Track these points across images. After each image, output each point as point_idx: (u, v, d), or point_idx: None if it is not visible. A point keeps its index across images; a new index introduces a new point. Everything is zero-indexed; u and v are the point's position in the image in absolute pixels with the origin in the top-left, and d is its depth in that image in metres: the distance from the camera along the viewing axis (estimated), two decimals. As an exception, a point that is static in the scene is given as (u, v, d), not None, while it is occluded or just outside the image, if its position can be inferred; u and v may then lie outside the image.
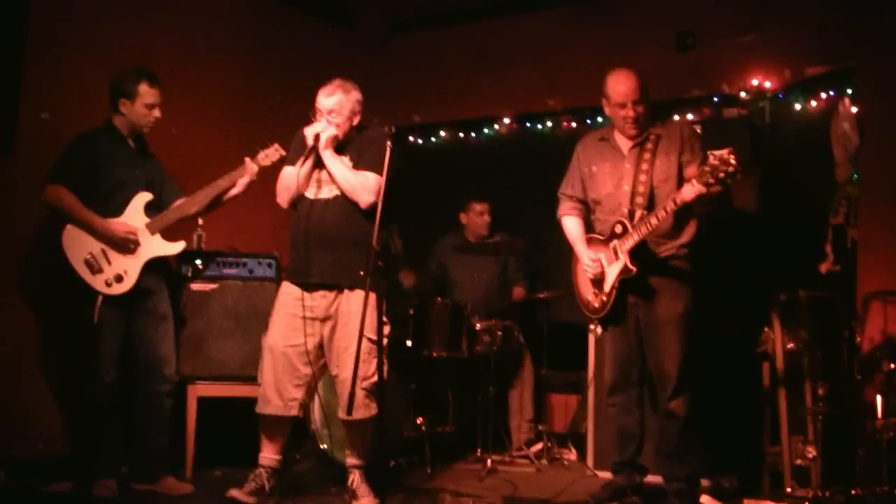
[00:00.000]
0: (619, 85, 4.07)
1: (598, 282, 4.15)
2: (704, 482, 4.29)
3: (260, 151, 4.40)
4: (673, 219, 3.99)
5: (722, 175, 3.63)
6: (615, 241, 4.06)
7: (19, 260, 4.53)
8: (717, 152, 3.65)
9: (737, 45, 5.38)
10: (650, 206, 4.01)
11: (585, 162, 4.27)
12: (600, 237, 4.18)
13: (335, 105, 4.04)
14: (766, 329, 4.46)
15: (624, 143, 4.17)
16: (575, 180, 4.33)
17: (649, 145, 4.10)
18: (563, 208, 4.37)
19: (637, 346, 4.15)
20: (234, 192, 4.45)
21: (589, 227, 4.31)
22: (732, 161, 3.61)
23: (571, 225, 4.32)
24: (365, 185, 3.98)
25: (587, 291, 4.24)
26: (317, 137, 4.00)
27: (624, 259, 4.00)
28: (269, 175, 4.34)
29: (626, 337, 4.16)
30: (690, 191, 3.78)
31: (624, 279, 4.02)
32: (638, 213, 4.01)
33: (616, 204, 4.11)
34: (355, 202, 4.00)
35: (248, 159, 4.38)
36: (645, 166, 4.07)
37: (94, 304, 4.08)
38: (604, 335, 4.32)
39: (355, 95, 4.09)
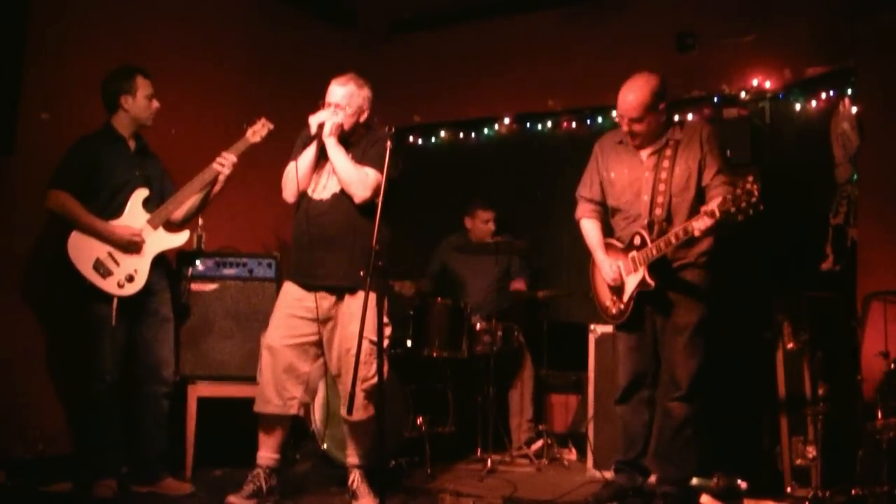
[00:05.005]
0: (620, 100, 3.98)
1: (617, 290, 4.10)
2: (705, 482, 4.29)
3: (248, 128, 4.39)
4: None
5: (744, 205, 3.58)
6: (634, 253, 4.00)
7: (20, 260, 4.52)
8: (744, 184, 3.59)
9: (737, 45, 5.38)
10: (669, 217, 3.95)
11: (604, 166, 4.20)
12: (619, 244, 4.13)
13: (345, 97, 4.05)
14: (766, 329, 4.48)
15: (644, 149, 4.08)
16: (593, 183, 4.25)
17: (668, 152, 4.00)
18: (581, 210, 4.31)
19: (652, 351, 4.10)
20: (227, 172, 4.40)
21: (607, 229, 4.26)
22: (756, 192, 3.56)
23: (590, 229, 4.26)
24: (363, 180, 3.97)
25: (606, 297, 4.19)
26: (321, 126, 4.00)
27: (643, 272, 3.95)
28: (269, 176, 4.34)
29: (641, 342, 4.12)
30: (706, 222, 3.72)
31: (642, 291, 3.99)
32: (657, 227, 3.95)
33: (635, 213, 4.05)
34: (357, 201, 3.99)
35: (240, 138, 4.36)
36: (664, 175, 3.98)
37: (111, 307, 4.07)
38: (617, 337, 4.27)
39: (366, 92, 4.12)
